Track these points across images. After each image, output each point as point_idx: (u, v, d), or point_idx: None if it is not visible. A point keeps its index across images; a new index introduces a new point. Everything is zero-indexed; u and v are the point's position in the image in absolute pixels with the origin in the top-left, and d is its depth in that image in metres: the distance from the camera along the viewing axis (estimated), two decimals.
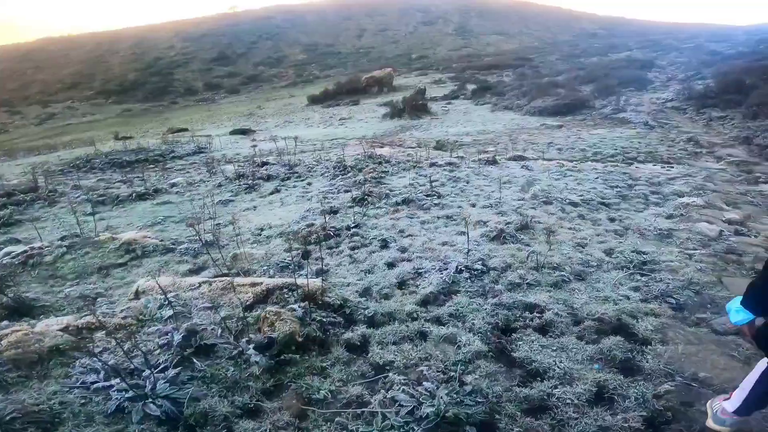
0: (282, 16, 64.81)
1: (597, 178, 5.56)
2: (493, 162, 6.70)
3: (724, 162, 6.97)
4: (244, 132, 16.61)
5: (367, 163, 6.08)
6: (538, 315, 2.21)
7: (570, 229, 3.48)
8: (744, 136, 8.36)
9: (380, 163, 6.15)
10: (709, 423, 1.53)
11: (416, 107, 15.87)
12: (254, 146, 10.77)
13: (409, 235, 3.37)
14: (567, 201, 4.20)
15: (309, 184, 5.38)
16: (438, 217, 3.77)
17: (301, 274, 2.67)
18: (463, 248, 2.96)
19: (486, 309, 2.26)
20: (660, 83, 14.56)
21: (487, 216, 3.73)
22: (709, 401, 1.60)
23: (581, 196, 4.48)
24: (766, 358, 1.27)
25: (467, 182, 5.19)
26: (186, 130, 20.27)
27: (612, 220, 3.76)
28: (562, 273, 2.66)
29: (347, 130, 14.06)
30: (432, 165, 6.20)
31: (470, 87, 22.72)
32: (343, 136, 12.49)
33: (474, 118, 13.78)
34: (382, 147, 10.21)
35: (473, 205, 4.15)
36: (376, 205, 4.18)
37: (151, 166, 8.65)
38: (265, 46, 54.48)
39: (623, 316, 2.17)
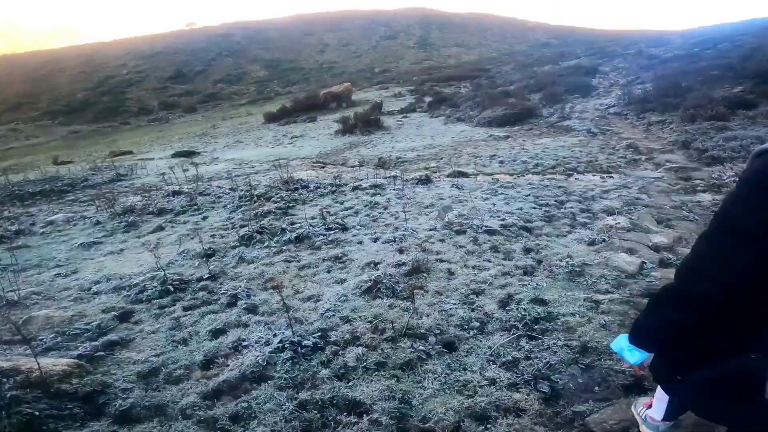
0: (241, 32, 63.68)
1: (529, 195, 5.12)
2: (426, 181, 6.19)
3: (663, 169, 6.75)
4: (187, 154, 15.61)
5: (279, 190, 5.42)
6: (354, 420, 1.59)
7: (473, 268, 2.93)
8: (682, 141, 8.27)
9: (295, 189, 5.51)
10: (643, 430, 1.44)
11: (369, 122, 15.40)
12: (185, 171, 9.89)
13: (274, 287, 2.73)
14: (483, 228, 3.68)
15: (204, 218, 4.66)
16: (324, 259, 3.15)
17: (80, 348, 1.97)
18: (332, 304, 2.34)
19: (288, 408, 1.64)
20: (603, 89, 14.74)
21: (384, 254, 3.14)
22: (633, 405, 1.53)
23: (503, 220, 3.99)
24: None
25: (385, 208, 4.62)
26: (131, 152, 19.03)
27: (528, 250, 3.26)
28: (426, 343, 2.07)
29: (294, 149, 13.37)
30: (355, 189, 5.61)
31: (428, 99, 22.59)
32: (287, 156, 11.79)
33: (425, 131, 13.42)
34: (323, 167, 9.58)
35: (376, 239, 3.57)
36: (265, 244, 3.52)
37: (55, 198, 7.64)
38: (225, 63, 53.20)
39: (467, 421, 1.58)
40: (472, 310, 2.33)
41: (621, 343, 1.07)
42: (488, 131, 11.76)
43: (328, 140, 14.82)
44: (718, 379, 0.93)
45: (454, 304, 2.39)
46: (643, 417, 1.45)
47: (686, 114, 9.73)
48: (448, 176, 7.22)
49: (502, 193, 5.21)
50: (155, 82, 48.68)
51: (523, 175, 7.07)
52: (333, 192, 5.48)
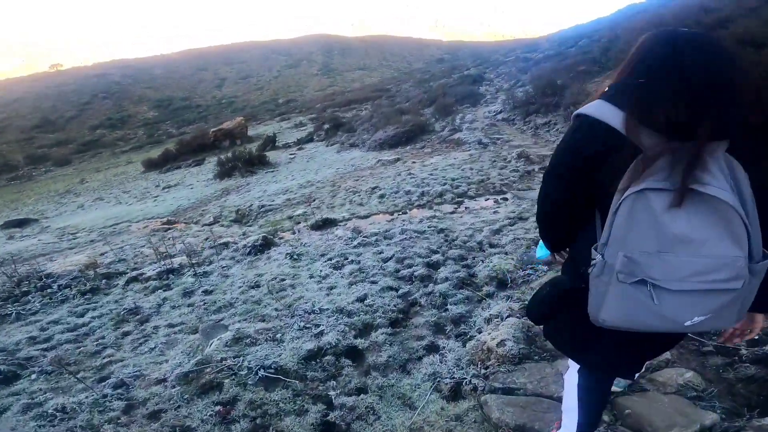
0: (120, 71, 56.83)
1: (391, 257, 3.47)
2: (262, 247, 4.28)
3: None
4: (18, 224, 11.98)
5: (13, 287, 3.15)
6: None
7: None
8: None
9: (26, 293, 3.24)
10: None
11: (251, 162, 13.23)
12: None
13: None
14: (263, 374, 1.85)
15: None
16: None
17: None
18: None
19: None
20: (491, 96, 14.41)
21: None
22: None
23: (318, 337, 2.21)
24: (570, 366, 1.19)
25: (146, 322, 2.61)
26: None
27: None
28: None
29: (151, 205, 10.68)
30: (130, 282, 3.50)
31: (326, 127, 21.02)
32: (135, 217, 9.13)
33: (313, 165, 11.66)
34: (167, 229, 7.21)
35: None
36: None
37: None
38: (103, 107, 46.71)
39: None
40: None
41: (539, 245, 1.21)
42: (378, 156, 10.34)
43: (203, 187, 12.33)
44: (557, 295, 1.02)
45: None
46: None
47: (568, 113, 9.23)
48: (312, 227, 5.43)
49: (354, 260, 3.49)
50: (17, 132, 40.83)
51: (405, 212, 5.54)
52: (85, 294, 3.32)
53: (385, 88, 34.96)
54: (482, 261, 3.18)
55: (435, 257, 3.39)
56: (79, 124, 42.02)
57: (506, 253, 3.27)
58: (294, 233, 5.52)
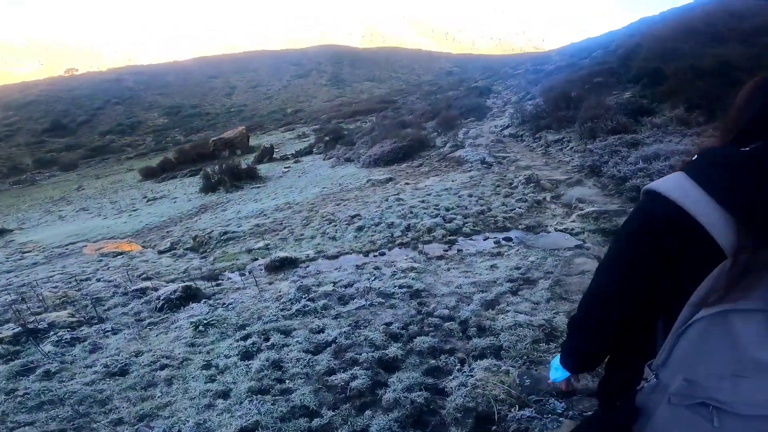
0: (134, 77, 57.07)
1: (334, 341, 2.33)
2: (178, 303, 3.19)
3: (577, 217, 4.50)
4: None
5: None
6: None
7: None
8: (589, 165, 6.31)
9: None
10: None
11: (239, 175, 12.27)
12: None
13: None
14: None
15: None
16: None
17: None
18: None
19: None
20: (498, 109, 13.27)
21: None
22: None
23: None
24: None
25: None
26: None
27: None
28: None
29: (123, 222, 9.72)
30: None
31: (326, 139, 20.11)
32: (100, 234, 8.16)
33: (301, 182, 10.64)
34: (117, 254, 6.19)
35: None
36: None
37: None
38: (115, 112, 46.74)
39: None
40: None
41: (554, 361, 1.02)
42: (370, 174, 9.25)
43: (185, 202, 11.38)
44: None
45: None
46: None
47: (584, 129, 8.02)
48: (267, 268, 4.34)
49: (276, 344, 2.36)
50: (28, 135, 40.92)
51: (384, 251, 4.42)
52: None
53: (392, 100, 34.10)
54: (460, 368, 2.01)
55: (393, 349, 2.24)
56: (89, 129, 42.01)
57: (500, 354, 2.11)
58: (244, 275, 4.45)
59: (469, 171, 7.41)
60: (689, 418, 0.65)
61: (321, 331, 2.57)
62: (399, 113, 22.94)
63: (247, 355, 2.31)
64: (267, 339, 2.49)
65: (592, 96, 9.06)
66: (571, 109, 9.04)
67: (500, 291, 2.79)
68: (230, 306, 3.13)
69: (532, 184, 5.89)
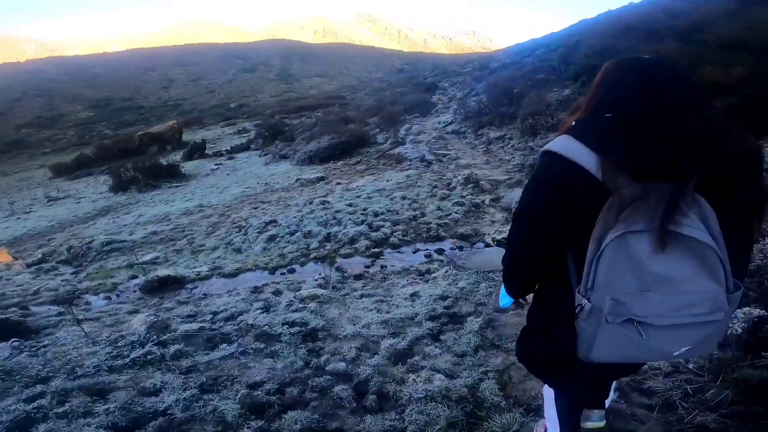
0: (57, 69, 50.81)
1: None
2: None
3: None
4: None
5: None
6: None
7: None
8: (530, 164, 5.93)
9: None
10: None
11: (157, 173, 10.76)
12: None
13: None
14: None
15: None
16: None
17: None
18: None
19: None
20: (443, 105, 12.89)
21: None
22: (535, 427, 1.45)
23: None
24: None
25: None
26: None
27: None
28: None
29: (6, 226, 7.99)
30: None
31: (266, 134, 18.70)
32: None
33: (224, 181, 9.46)
34: None
35: None
36: None
37: None
38: (34, 104, 41.24)
39: None
40: None
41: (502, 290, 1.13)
42: (302, 172, 8.34)
43: (90, 202, 9.72)
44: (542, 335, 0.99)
45: None
46: None
47: (525, 126, 7.72)
48: (143, 290, 3.35)
49: None
50: None
51: (293, 268, 3.60)
52: None
53: (340, 96, 33.02)
54: None
55: None
56: (3, 123, 36.68)
57: None
58: (111, 298, 3.45)
59: (407, 169, 6.78)
60: (624, 334, 0.75)
61: (154, 393, 1.72)
62: (345, 109, 22.05)
63: (19, 427, 1.41)
64: (62, 402, 1.60)
65: (534, 92, 8.86)
66: (513, 106, 8.76)
67: (417, 335, 2.08)
68: (42, 349, 2.17)
69: (471, 185, 5.35)
